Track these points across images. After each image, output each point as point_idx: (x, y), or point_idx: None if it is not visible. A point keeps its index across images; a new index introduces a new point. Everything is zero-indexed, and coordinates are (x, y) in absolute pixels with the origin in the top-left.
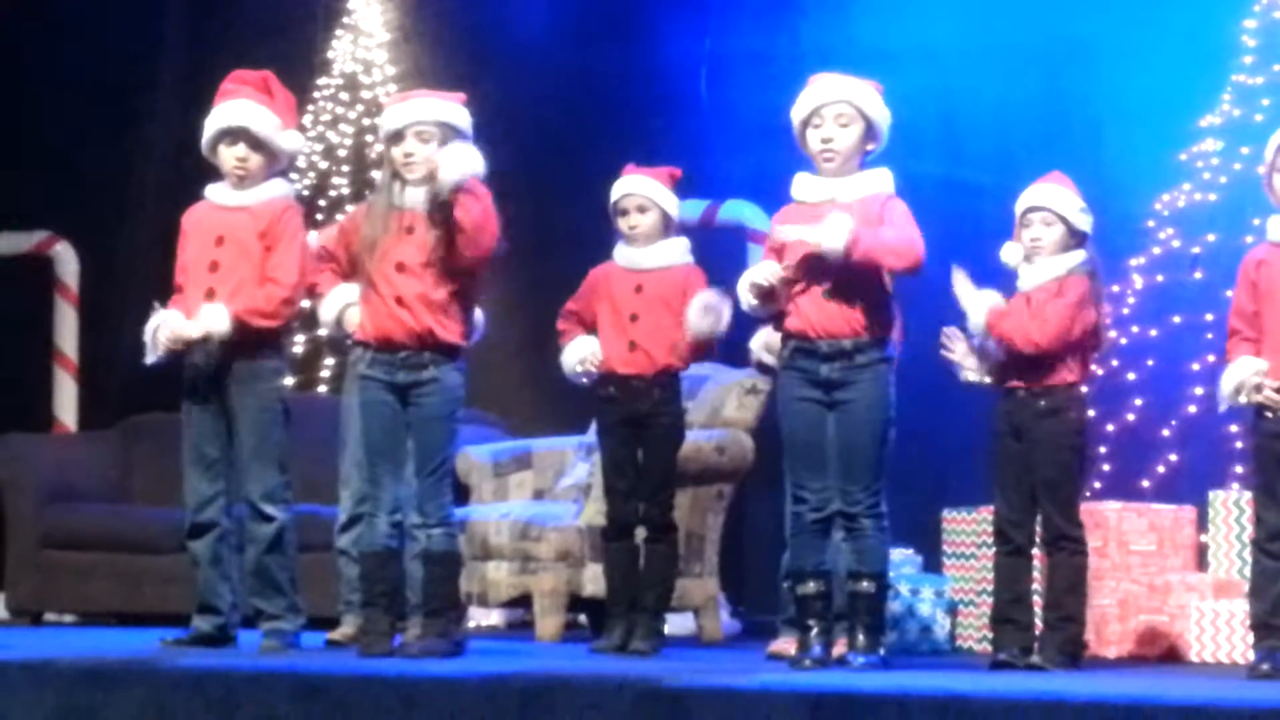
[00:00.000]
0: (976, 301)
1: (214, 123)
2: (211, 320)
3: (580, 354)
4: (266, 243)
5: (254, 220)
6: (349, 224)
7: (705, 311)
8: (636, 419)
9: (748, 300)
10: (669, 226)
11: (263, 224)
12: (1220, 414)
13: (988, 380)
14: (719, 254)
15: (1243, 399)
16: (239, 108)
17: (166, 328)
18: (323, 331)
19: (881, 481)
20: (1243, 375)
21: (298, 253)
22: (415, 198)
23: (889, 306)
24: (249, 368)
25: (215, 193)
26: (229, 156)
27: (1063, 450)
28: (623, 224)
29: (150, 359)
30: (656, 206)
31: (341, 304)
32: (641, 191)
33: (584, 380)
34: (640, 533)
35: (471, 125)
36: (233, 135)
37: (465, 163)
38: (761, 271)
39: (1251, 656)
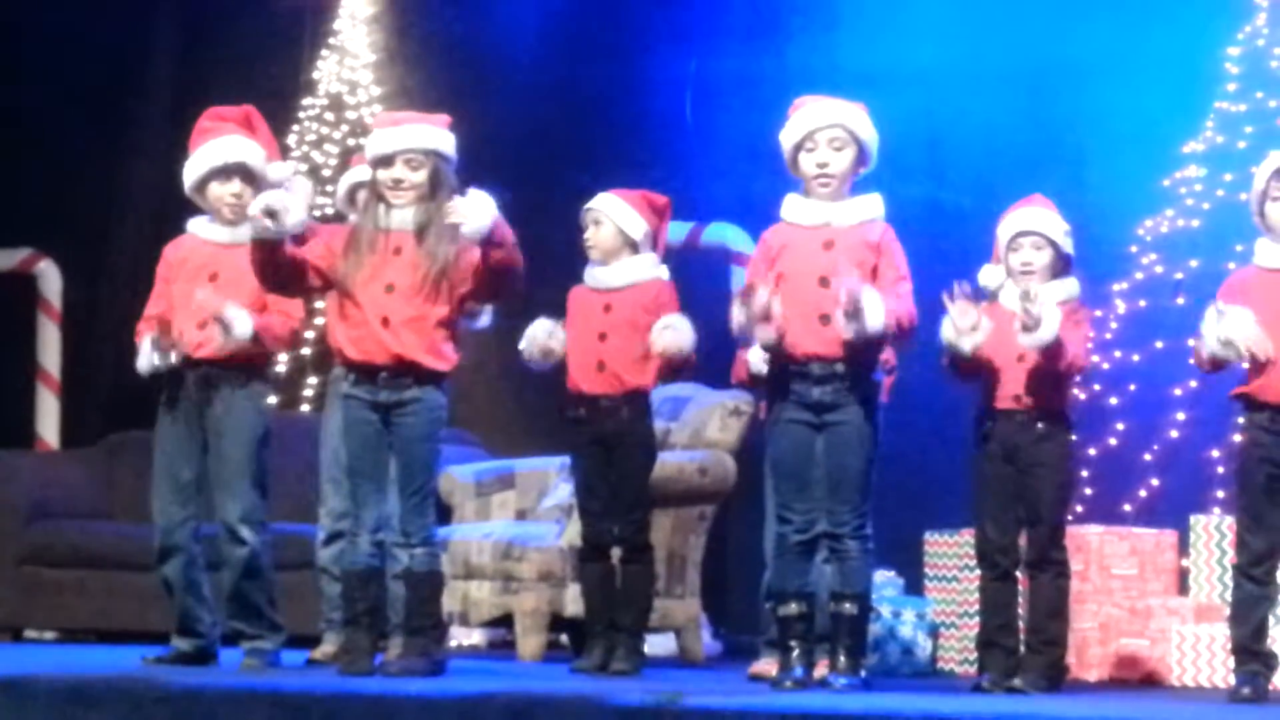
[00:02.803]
0: (1052, 319)
1: (205, 161)
2: (237, 321)
3: (533, 331)
4: None
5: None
6: (333, 244)
7: (667, 330)
8: (606, 439)
9: (739, 321)
10: (632, 245)
11: None
12: (1202, 438)
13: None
14: (702, 276)
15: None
16: (231, 145)
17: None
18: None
19: (869, 504)
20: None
21: None
22: (401, 219)
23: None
24: (235, 388)
25: (202, 228)
26: (224, 194)
27: (1059, 473)
28: (584, 240)
29: (144, 364)
30: (610, 221)
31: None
32: (597, 205)
33: (534, 358)
34: (616, 552)
35: (455, 148)
36: (227, 173)
37: (486, 208)
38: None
39: (1232, 681)
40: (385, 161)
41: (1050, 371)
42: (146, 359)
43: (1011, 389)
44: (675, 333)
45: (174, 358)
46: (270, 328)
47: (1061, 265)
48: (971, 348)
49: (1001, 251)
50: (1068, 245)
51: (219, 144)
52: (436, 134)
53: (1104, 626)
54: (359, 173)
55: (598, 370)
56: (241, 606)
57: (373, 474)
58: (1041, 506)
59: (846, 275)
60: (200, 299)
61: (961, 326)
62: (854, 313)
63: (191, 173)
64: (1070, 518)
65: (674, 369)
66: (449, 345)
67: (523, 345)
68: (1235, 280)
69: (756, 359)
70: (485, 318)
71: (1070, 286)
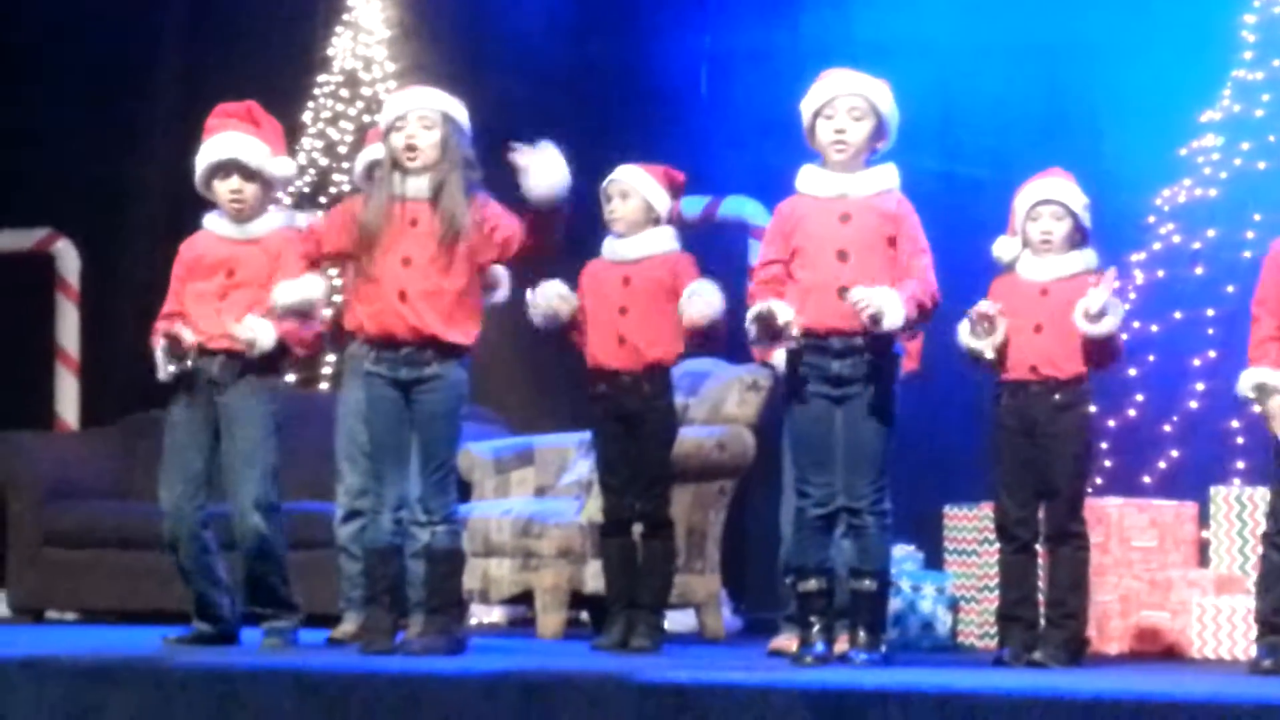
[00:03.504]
0: (1116, 312)
1: (204, 159)
2: (260, 332)
3: (546, 293)
4: (281, 276)
5: (266, 253)
6: (346, 217)
7: (695, 298)
8: (628, 415)
9: (752, 341)
10: (655, 219)
11: (276, 257)
12: (1221, 409)
13: (985, 356)
14: (720, 250)
15: (1256, 406)
16: (227, 140)
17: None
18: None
19: (887, 478)
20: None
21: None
22: (418, 188)
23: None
24: (248, 377)
25: (216, 224)
26: (223, 190)
27: (1075, 445)
28: (606, 211)
29: (162, 374)
30: (638, 194)
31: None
32: (624, 178)
33: (540, 317)
34: (637, 529)
35: (470, 122)
36: (225, 169)
37: (558, 169)
38: (781, 314)
39: (1254, 652)
40: (399, 123)
41: (1098, 351)
42: (162, 368)
43: (1028, 360)
44: (703, 300)
45: (189, 362)
46: (292, 333)
47: (1079, 238)
48: (993, 351)
49: (1019, 222)
50: (1086, 218)
51: (216, 141)
52: (449, 99)
53: (1124, 599)
54: (376, 150)
55: (618, 345)
56: (257, 590)
57: (394, 451)
58: (1058, 479)
59: (856, 289)
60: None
61: (981, 333)
62: (874, 320)
63: (197, 171)
64: (1090, 490)
65: (705, 336)
66: (468, 318)
67: (531, 302)
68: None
69: (779, 360)
70: (502, 292)
71: (1089, 258)
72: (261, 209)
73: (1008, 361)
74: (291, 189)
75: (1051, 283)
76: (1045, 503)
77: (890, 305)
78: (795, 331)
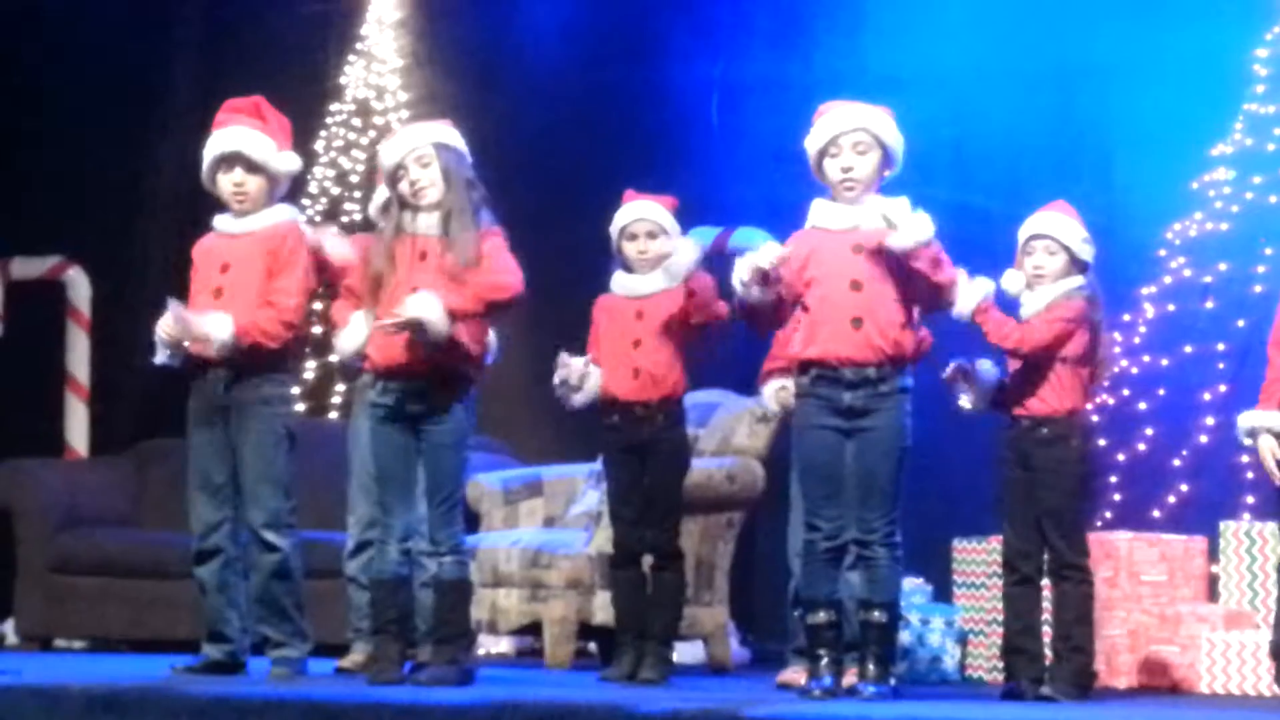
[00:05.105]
0: (971, 290)
1: (209, 152)
2: (215, 326)
3: (564, 372)
4: (270, 266)
5: (259, 245)
6: (364, 265)
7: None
8: (641, 446)
9: (742, 279)
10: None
11: (268, 249)
12: (1231, 444)
13: (977, 408)
14: (729, 280)
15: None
16: (231, 134)
17: (174, 320)
18: (335, 359)
19: (897, 510)
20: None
21: (300, 277)
22: (427, 224)
23: (912, 335)
24: (255, 393)
25: (222, 222)
26: (226, 183)
27: (1065, 479)
28: (630, 249)
29: (158, 358)
30: (665, 234)
31: (364, 335)
32: (653, 217)
33: (565, 389)
34: (647, 560)
35: (478, 149)
36: (228, 161)
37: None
38: (765, 255)
39: (1263, 689)
40: (400, 172)
41: (1039, 369)
42: (161, 353)
43: (1020, 396)
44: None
45: (185, 343)
46: (252, 328)
47: (1077, 270)
48: (971, 405)
49: (1018, 255)
50: (1084, 251)
51: (221, 134)
52: (435, 128)
53: (1133, 633)
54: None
55: (633, 377)
56: (269, 609)
57: (401, 482)
58: (1052, 513)
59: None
60: (173, 320)
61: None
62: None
63: (203, 166)
64: (1099, 524)
65: (704, 312)
66: (475, 347)
67: (560, 374)
68: None
69: (769, 398)
70: (488, 358)
71: (1069, 284)
72: (265, 204)
73: (1009, 399)
74: (303, 218)
75: (1033, 316)
76: (1046, 536)
77: (918, 219)
78: (777, 262)
